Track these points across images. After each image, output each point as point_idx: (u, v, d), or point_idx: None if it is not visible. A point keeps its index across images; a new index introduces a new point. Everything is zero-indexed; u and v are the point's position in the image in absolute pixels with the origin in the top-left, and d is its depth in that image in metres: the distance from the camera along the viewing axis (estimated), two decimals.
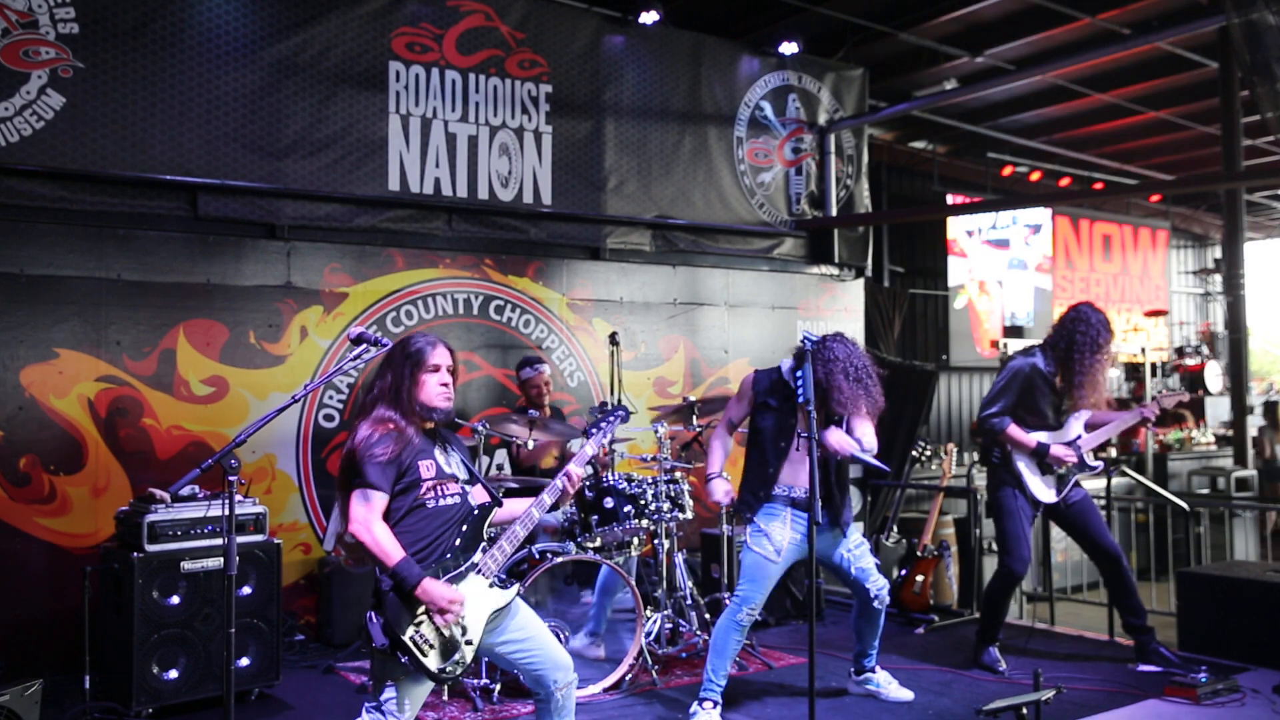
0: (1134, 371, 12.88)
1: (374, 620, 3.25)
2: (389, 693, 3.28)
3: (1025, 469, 5.22)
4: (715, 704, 4.49)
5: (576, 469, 3.60)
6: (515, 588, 3.47)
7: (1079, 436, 5.25)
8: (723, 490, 4.79)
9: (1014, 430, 5.17)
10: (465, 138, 6.79)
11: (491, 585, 3.39)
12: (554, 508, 3.62)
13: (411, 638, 3.19)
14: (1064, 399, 5.24)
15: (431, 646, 3.22)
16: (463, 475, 3.47)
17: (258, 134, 6.05)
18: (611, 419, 3.93)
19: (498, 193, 6.91)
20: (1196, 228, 16.67)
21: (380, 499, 3.26)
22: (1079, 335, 5.08)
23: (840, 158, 8.71)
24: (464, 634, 3.28)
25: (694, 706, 4.52)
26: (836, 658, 5.44)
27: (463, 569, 3.32)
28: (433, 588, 3.21)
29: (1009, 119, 11.42)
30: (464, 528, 3.38)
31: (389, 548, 3.22)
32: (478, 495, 3.49)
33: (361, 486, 3.26)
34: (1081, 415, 5.27)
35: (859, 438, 4.57)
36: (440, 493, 3.37)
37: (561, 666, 3.45)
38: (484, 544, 3.42)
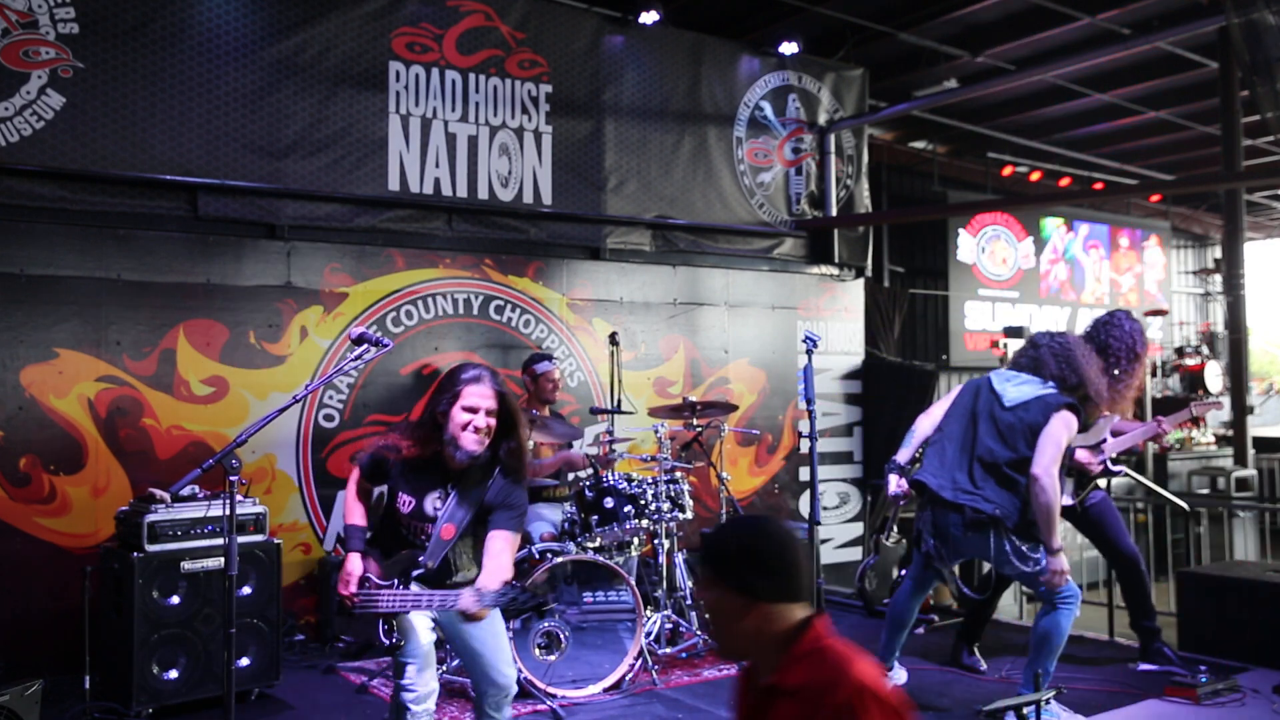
0: None
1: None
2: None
3: None
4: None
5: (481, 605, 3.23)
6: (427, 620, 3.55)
7: (1104, 441, 5.18)
8: (895, 483, 4.75)
9: None
10: (465, 138, 6.79)
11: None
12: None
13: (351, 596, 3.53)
14: (1086, 402, 5.14)
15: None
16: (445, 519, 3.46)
17: (258, 134, 6.05)
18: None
19: (498, 193, 6.91)
20: (1196, 228, 16.65)
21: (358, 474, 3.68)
22: (1113, 341, 4.97)
23: (840, 158, 8.71)
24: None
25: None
26: None
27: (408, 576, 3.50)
28: (349, 561, 3.52)
29: (1009, 119, 11.41)
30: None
31: (349, 509, 3.66)
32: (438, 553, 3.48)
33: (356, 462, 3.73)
34: (1110, 419, 5.18)
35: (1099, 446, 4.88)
36: (410, 529, 3.56)
37: (495, 684, 3.53)
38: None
